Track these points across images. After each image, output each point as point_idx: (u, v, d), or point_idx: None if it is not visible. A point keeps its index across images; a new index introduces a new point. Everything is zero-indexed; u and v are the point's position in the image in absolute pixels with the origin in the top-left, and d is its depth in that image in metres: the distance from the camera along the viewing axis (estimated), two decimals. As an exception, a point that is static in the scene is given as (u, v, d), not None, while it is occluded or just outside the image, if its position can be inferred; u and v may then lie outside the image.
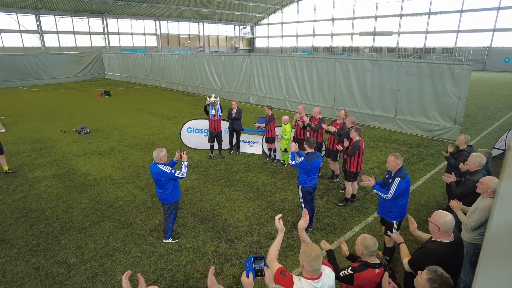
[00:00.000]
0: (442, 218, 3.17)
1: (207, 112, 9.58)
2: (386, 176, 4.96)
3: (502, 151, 9.58)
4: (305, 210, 3.32)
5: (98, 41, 52.74)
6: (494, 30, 45.95)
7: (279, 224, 3.03)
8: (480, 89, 25.51)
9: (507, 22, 44.00)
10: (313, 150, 5.74)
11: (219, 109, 9.57)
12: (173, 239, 5.80)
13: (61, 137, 12.55)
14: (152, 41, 59.68)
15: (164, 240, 5.77)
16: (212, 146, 10.07)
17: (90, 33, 51.49)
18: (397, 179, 4.61)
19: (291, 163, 5.66)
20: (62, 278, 4.90)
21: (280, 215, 3.10)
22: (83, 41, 50.90)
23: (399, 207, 4.71)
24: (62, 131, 13.31)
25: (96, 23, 51.86)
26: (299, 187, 5.85)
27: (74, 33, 49.71)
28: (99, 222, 6.43)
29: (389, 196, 4.60)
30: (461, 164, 5.50)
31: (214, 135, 9.79)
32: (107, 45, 53.09)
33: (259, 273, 2.49)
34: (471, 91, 13.43)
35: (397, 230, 4.79)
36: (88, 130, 13.18)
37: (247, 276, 2.45)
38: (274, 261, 2.78)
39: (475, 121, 15.07)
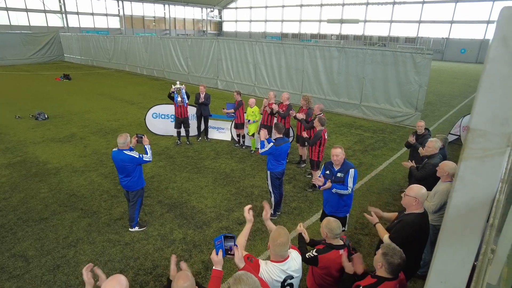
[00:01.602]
0: (420, 191, 3.42)
1: (171, 98, 9.34)
2: (327, 172, 4.72)
3: (457, 136, 10.19)
4: (265, 201, 3.33)
5: (55, 21, 49.15)
6: (452, 22, 48.25)
7: (248, 214, 3.02)
8: (439, 78, 26.84)
9: (464, 14, 46.45)
10: (281, 136, 5.79)
11: (185, 96, 9.34)
12: (139, 227, 5.67)
13: (15, 123, 11.73)
14: (115, 23, 56.63)
15: (130, 229, 5.63)
16: (179, 133, 9.84)
17: (45, 11, 47.83)
18: (352, 171, 4.50)
19: (261, 151, 5.66)
20: (20, 272, 4.65)
21: (250, 206, 3.09)
22: (38, 20, 47.18)
23: (351, 198, 4.71)
24: (16, 117, 12.42)
25: (52, 1, 48.22)
26: (268, 172, 5.89)
27: (26, 10, 45.92)
28: (60, 212, 6.14)
29: (349, 190, 4.48)
30: (421, 148, 5.80)
31: (181, 121, 9.57)
32: (65, 25, 49.68)
33: (229, 252, 2.50)
34: (430, 80, 14.09)
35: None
36: (46, 116, 12.41)
37: (217, 254, 2.45)
38: (241, 250, 2.80)
39: (434, 108, 15.89)
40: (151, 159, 5.38)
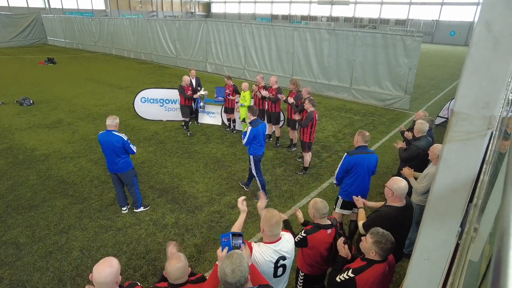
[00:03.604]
0: (397, 184, 3.40)
1: (182, 93, 8.98)
2: None
3: (445, 119, 10.35)
4: (262, 192, 3.34)
5: (36, 1, 47.37)
6: (442, 4, 48.13)
7: (242, 205, 3.07)
8: (428, 61, 26.96)
9: (454, -5, 46.35)
10: (256, 117, 5.89)
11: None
12: (144, 207, 5.80)
13: (-1, 109, 11.46)
14: (99, 4, 54.88)
15: (135, 210, 5.74)
16: (187, 123, 9.38)
17: (25, -9, 46.00)
18: (344, 154, 4.57)
19: (244, 141, 5.76)
20: (12, 259, 4.65)
21: (244, 197, 3.13)
22: (17, 1, 45.38)
23: (345, 185, 4.64)
24: (0, 103, 12.11)
25: (32, -19, 46.32)
26: (251, 157, 5.99)
27: (5, -10, 44.13)
28: (51, 199, 6.10)
29: (337, 170, 4.63)
30: (407, 132, 5.89)
31: (190, 109, 9.23)
32: (47, 6, 47.93)
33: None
34: (420, 63, 14.16)
35: (340, 207, 4.80)
36: (31, 102, 12.12)
37: (222, 251, 2.46)
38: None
39: (423, 91, 16.03)
40: (135, 152, 5.38)
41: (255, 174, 6.09)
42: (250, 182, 6.51)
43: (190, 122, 9.56)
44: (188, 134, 9.34)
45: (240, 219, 3.07)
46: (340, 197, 4.78)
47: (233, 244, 2.49)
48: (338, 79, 14.05)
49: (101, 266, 2.28)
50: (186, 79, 9.01)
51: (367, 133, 4.58)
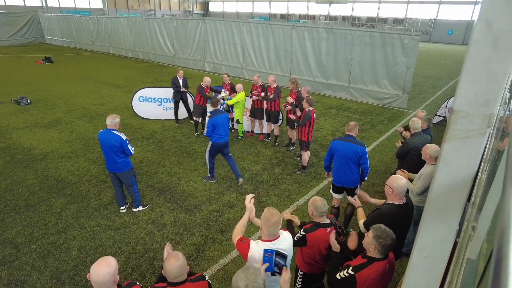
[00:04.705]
0: (396, 182, 3.42)
1: (201, 93, 8.79)
2: None
3: (443, 117, 10.37)
4: (250, 204, 3.20)
5: (33, 0, 47.08)
6: (440, 3, 48.20)
7: (249, 203, 3.05)
8: (426, 60, 27.01)
9: (452, -6, 46.41)
10: (216, 108, 6.34)
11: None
12: (142, 206, 5.81)
13: (-4, 109, 11.40)
14: (97, 3, 54.62)
15: (133, 209, 5.74)
16: (197, 123, 9.29)
17: (22, -10, 45.70)
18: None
19: (205, 132, 6.30)
20: (10, 259, 4.63)
21: (252, 195, 3.11)
22: (14, -1, 45.12)
23: (332, 168, 5.17)
24: (-3, 102, 12.07)
25: (28, -21, 46.01)
26: (210, 143, 6.45)
27: (2, -11, 43.82)
28: (49, 199, 6.08)
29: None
30: (404, 131, 5.95)
31: (203, 110, 9.00)
32: (44, 4, 47.65)
33: (276, 270, 2.47)
34: (418, 61, 14.17)
35: (332, 190, 5.30)
36: (28, 101, 12.06)
37: (263, 263, 2.45)
38: (238, 235, 2.86)
39: (421, 89, 16.07)
40: (132, 153, 5.34)
41: (206, 157, 6.59)
42: (239, 176, 6.78)
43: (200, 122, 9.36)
44: (196, 135, 9.30)
45: (244, 217, 3.03)
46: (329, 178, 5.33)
47: (276, 263, 2.45)
48: (336, 78, 14.06)
49: (99, 265, 2.28)
50: (206, 79, 8.89)
51: (352, 123, 5.05)
